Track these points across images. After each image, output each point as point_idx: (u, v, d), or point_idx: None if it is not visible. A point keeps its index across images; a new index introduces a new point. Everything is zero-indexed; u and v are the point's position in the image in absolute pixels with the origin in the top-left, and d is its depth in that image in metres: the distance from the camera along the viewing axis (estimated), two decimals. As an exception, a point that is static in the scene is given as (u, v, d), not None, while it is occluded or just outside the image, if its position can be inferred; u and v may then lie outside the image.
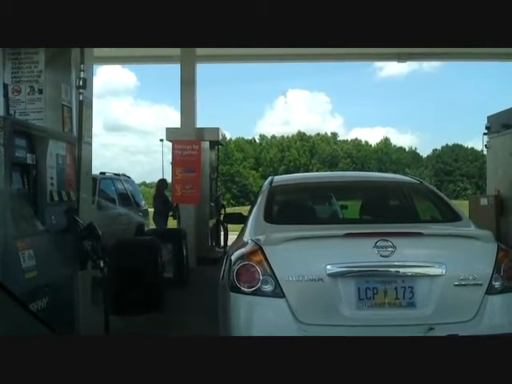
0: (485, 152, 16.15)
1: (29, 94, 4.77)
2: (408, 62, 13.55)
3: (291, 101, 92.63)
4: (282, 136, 74.97)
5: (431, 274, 3.19)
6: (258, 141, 76.77)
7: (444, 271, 3.16)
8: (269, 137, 76.89)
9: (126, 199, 11.84)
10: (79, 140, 4.60)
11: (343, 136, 79.95)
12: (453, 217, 3.85)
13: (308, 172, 48.20)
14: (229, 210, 14.24)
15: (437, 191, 4.49)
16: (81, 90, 4.81)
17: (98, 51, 6.04)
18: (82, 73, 4.79)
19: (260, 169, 68.75)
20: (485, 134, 15.63)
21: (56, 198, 3.70)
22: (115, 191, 11.34)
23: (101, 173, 11.18)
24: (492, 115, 15.77)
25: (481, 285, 3.18)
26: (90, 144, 5.42)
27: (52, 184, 3.72)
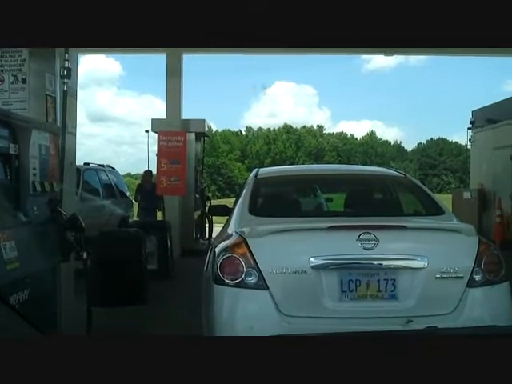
0: (469, 146, 16.34)
1: (12, 83, 4.71)
2: (395, 56, 13.60)
3: (278, 92, 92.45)
4: (269, 128, 74.93)
5: (413, 266, 3.22)
6: (244, 133, 76.67)
7: (426, 264, 3.19)
8: (255, 129, 76.83)
9: (111, 190, 11.78)
10: (63, 130, 4.56)
11: (329, 129, 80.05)
12: (436, 210, 3.88)
13: (294, 165, 48.25)
14: (214, 202, 14.25)
15: (420, 185, 4.52)
16: (65, 80, 4.76)
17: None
18: (66, 62, 4.74)
19: (246, 161, 68.63)
20: (469, 128, 15.80)
21: (39, 189, 3.67)
22: (99, 182, 11.28)
23: (85, 163, 11.10)
24: (477, 110, 15.95)
25: (462, 278, 3.21)
26: (74, 134, 5.37)
27: (35, 174, 3.68)
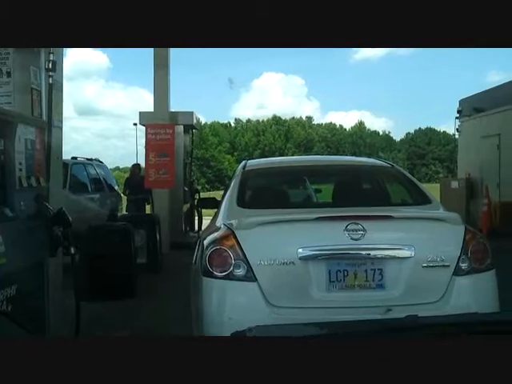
0: (456, 135, 16.42)
1: (-4, 77, 4.65)
2: (382, 46, 13.58)
3: (267, 84, 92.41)
4: (257, 120, 74.90)
5: (400, 256, 3.24)
6: (233, 125, 76.61)
7: (413, 253, 3.22)
8: (244, 121, 76.78)
9: (99, 184, 11.71)
10: (49, 124, 4.52)
11: (318, 120, 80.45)
12: (423, 200, 3.91)
13: (283, 156, 48.25)
14: (203, 194, 14.24)
15: (408, 175, 4.55)
16: (50, 73, 4.71)
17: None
18: (51, 55, 4.69)
19: (235, 153, 68.60)
20: (457, 117, 15.86)
21: (25, 184, 3.64)
22: (87, 176, 11.21)
23: (72, 158, 11.03)
24: (464, 99, 15.99)
25: (448, 266, 3.24)
26: (61, 128, 5.33)
27: (21, 169, 3.65)
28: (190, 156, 13.61)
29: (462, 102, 15.99)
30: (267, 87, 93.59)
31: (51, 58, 4.66)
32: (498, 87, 14.56)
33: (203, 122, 57.68)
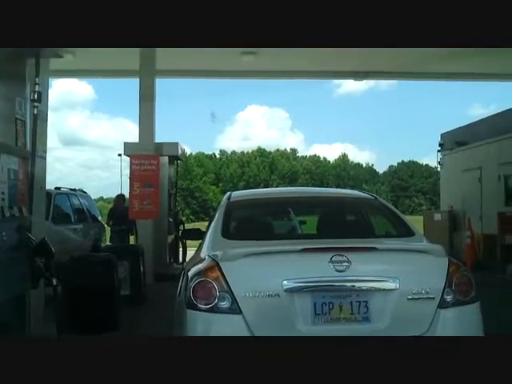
0: (439, 168, 16.65)
1: (-20, 107, 4.64)
2: (365, 81, 13.87)
3: (251, 116, 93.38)
4: (242, 152, 75.26)
5: (385, 288, 3.23)
6: (218, 156, 76.84)
7: (397, 285, 3.21)
8: (229, 152, 77.11)
9: (82, 215, 11.62)
10: (33, 154, 4.50)
11: (303, 152, 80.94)
12: (406, 232, 3.93)
13: (268, 187, 48.38)
14: (188, 225, 14.17)
15: (391, 207, 4.58)
16: (36, 104, 4.72)
17: (54, 64, 5.93)
18: (36, 86, 4.70)
19: (220, 184, 68.65)
20: (439, 151, 16.13)
21: (7, 214, 3.60)
22: (71, 207, 11.12)
23: (56, 188, 10.96)
24: (445, 133, 16.28)
25: (433, 298, 3.24)
26: (44, 158, 5.31)
27: (3, 199, 3.62)
28: (174, 187, 13.59)
29: (443, 135, 16.27)
30: (252, 120, 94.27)
31: (36, 89, 4.68)
32: (478, 122, 14.87)
33: (188, 153, 57.66)
